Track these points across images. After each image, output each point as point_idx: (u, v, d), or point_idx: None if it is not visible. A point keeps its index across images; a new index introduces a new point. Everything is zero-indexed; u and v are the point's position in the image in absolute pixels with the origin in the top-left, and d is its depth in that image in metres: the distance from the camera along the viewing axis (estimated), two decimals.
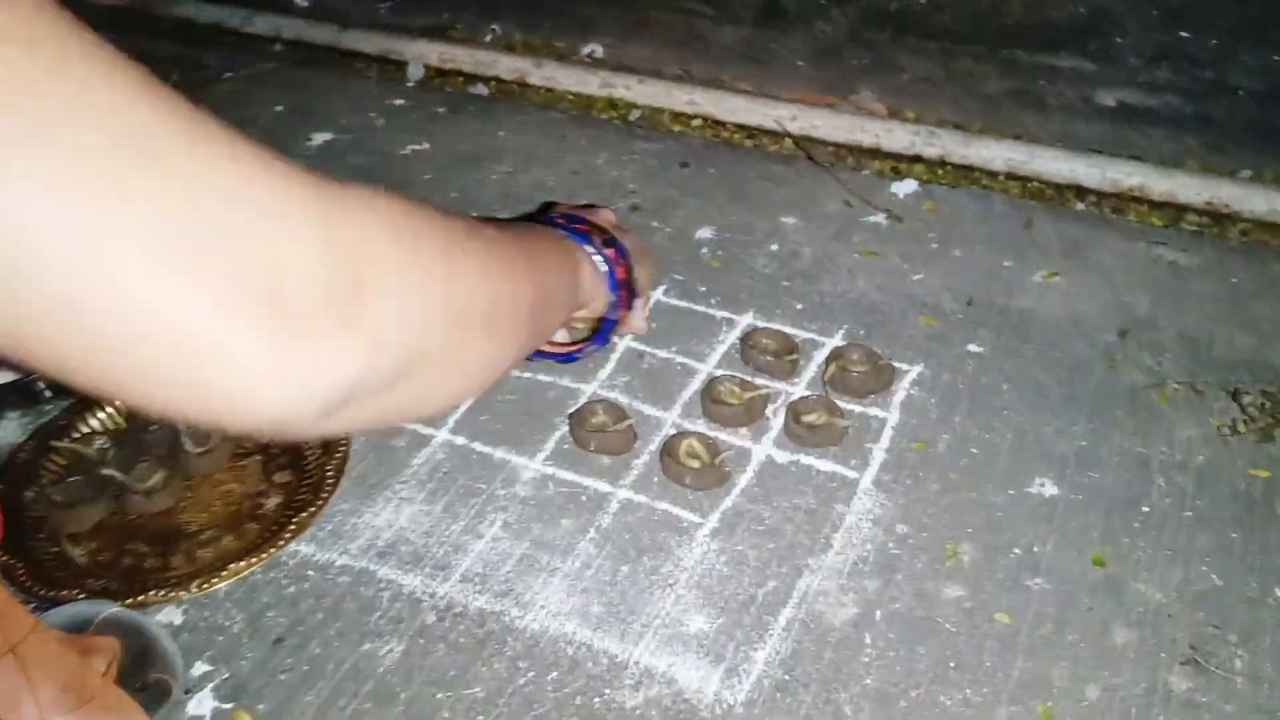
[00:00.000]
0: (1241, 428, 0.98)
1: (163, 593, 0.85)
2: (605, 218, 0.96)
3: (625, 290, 0.91)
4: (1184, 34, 1.46)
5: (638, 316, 0.99)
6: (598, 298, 0.89)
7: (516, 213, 1.31)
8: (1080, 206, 1.34)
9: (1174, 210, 1.32)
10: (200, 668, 0.82)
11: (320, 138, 1.49)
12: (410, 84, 1.64)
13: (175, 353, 0.40)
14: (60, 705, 0.58)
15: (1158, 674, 0.80)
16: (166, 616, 0.85)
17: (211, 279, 0.40)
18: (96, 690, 0.61)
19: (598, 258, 0.88)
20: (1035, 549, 0.89)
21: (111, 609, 0.80)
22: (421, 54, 1.68)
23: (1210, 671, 0.80)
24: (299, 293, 0.42)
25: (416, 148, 1.46)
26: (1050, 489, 0.94)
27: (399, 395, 0.51)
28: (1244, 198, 1.30)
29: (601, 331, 0.96)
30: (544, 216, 0.92)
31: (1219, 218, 1.31)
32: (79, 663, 0.62)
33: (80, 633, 0.72)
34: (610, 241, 0.90)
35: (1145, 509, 0.92)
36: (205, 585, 0.86)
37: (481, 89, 1.64)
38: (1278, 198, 1.29)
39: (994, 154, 1.40)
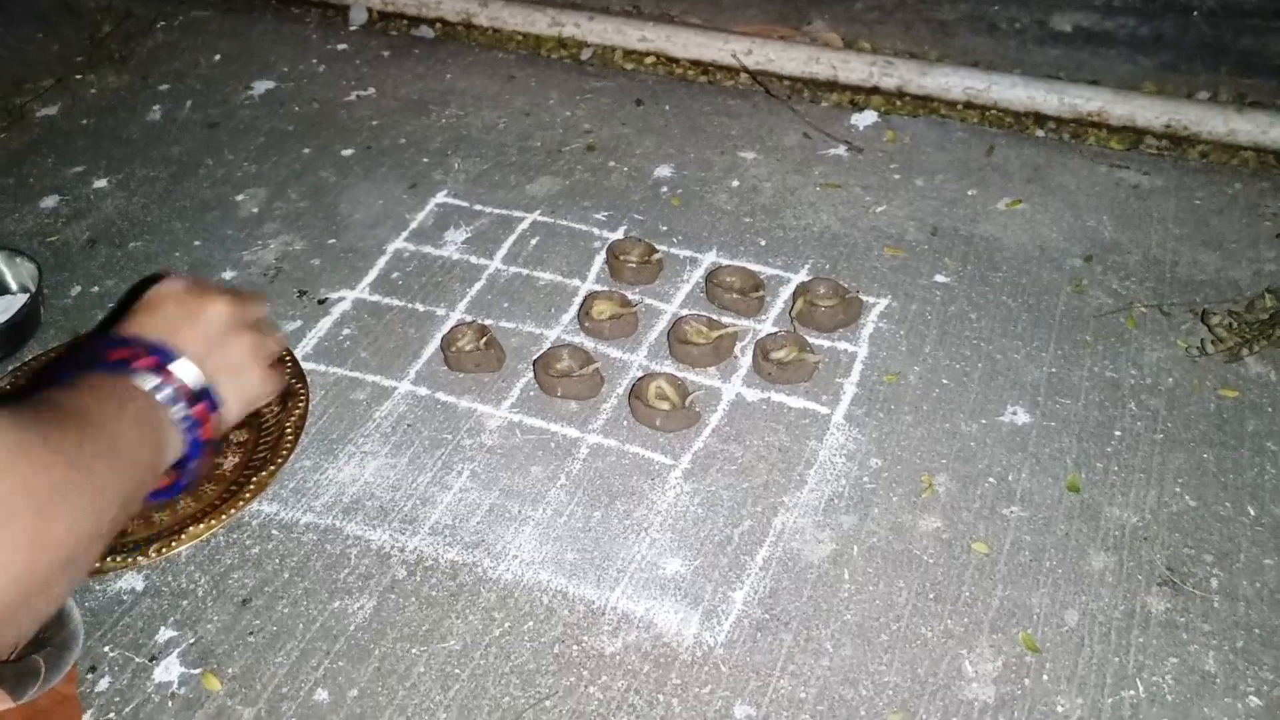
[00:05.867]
0: (1210, 348, 0.98)
1: (120, 558, 0.82)
2: (216, 315, 0.73)
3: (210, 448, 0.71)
4: None
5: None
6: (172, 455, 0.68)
7: (468, 157, 1.27)
8: (1040, 133, 1.33)
9: (1133, 134, 1.31)
10: (165, 633, 0.79)
11: (261, 86, 1.44)
12: (352, 29, 1.59)
13: None
14: None
15: (1135, 596, 0.80)
16: (127, 583, 0.83)
17: None
18: None
19: (180, 415, 0.67)
20: (1010, 477, 0.88)
21: None
22: None
23: (1187, 592, 0.80)
24: None
25: (361, 94, 1.42)
26: (1023, 416, 0.93)
27: None
28: (1202, 119, 1.30)
29: (174, 486, 0.71)
30: (118, 358, 0.68)
31: (1178, 140, 1.30)
32: None
33: None
34: (201, 394, 0.69)
35: (1118, 433, 0.92)
36: (164, 549, 0.83)
37: (427, 31, 1.59)
38: (1235, 118, 1.28)
39: (952, 82, 1.38)
